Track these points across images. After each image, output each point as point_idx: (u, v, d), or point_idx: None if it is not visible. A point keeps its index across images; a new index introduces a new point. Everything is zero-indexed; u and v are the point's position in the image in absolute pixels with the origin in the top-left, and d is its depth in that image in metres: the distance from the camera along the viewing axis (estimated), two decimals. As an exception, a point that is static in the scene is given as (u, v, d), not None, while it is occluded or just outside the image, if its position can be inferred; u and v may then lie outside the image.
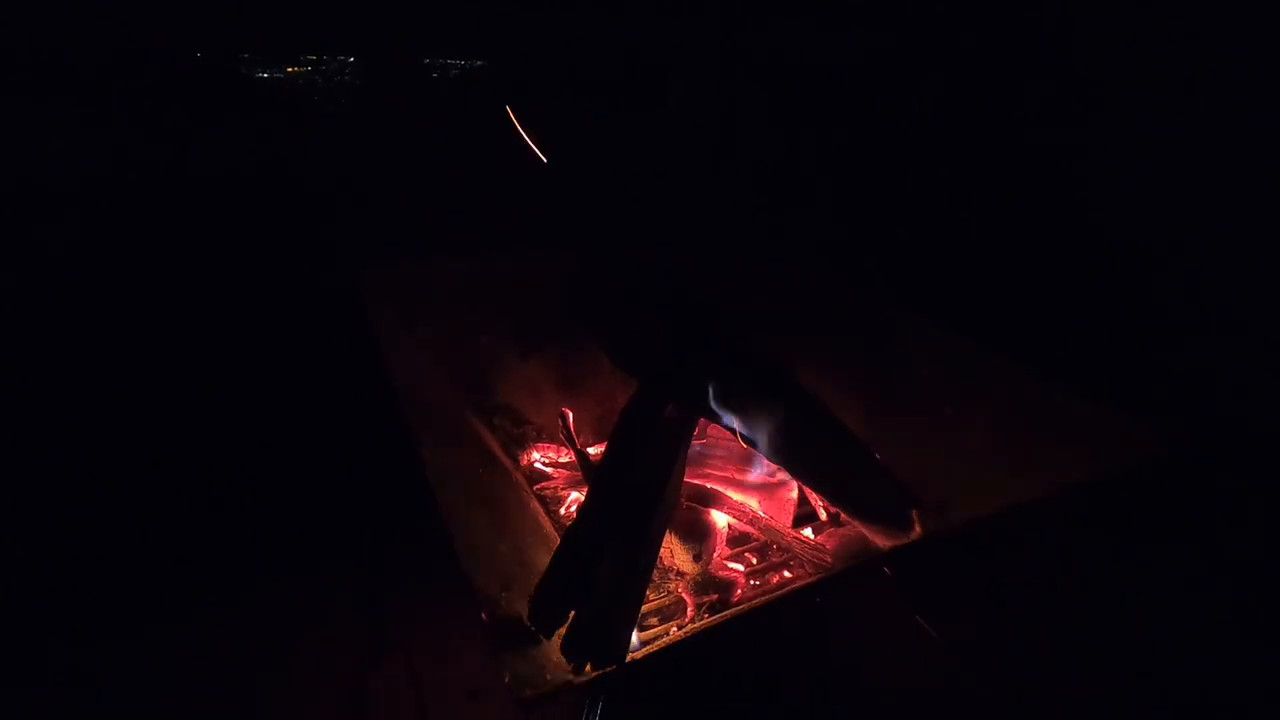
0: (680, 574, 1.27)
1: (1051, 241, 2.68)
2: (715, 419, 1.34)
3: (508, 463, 1.49)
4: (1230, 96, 2.22)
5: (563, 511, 1.44)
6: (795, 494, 1.41)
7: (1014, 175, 2.79)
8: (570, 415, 1.56)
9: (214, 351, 2.50)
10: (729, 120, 3.11)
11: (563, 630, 0.87)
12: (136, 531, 1.75)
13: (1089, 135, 2.61)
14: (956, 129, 2.88)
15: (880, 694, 1.43)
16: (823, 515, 1.43)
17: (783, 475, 1.41)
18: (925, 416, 1.50)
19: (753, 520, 1.36)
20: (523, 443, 1.60)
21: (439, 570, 1.62)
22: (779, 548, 1.35)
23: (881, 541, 1.29)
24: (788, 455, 1.30)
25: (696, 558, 1.28)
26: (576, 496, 1.47)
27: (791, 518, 1.39)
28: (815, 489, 1.37)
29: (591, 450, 1.56)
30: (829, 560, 1.28)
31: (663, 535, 1.13)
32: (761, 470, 1.42)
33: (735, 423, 1.33)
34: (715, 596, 1.23)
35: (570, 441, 1.53)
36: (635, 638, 0.95)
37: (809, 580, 1.14)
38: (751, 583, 1.30)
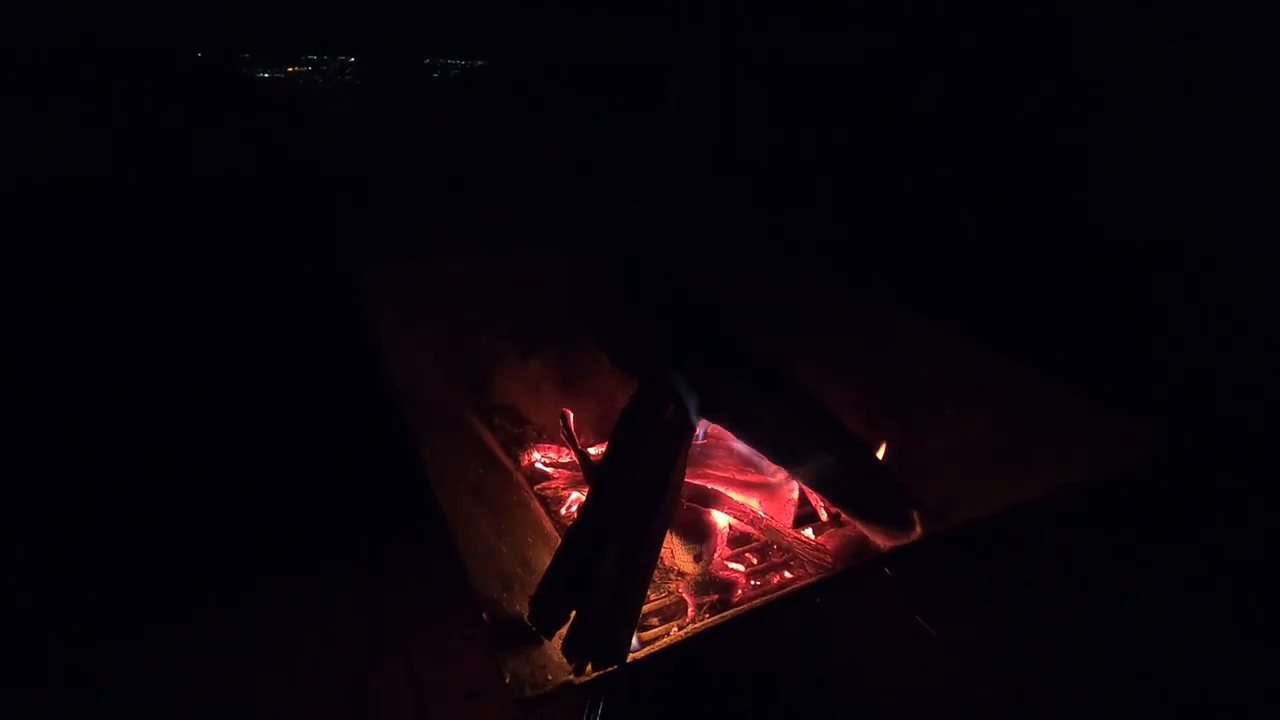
0: (681, 574, 1.27)
1: (1051, 241, 2.68)
2: (715, 419, 1.34)
3: (508, 463, 1.49)
4: (1230, 96, 2.22)
5: (563, 512, 1.44)
6: (796, 494, 1.41)
7: (1014, 175, 2.79)
8: (571, 415, 1.56)
9: (214, 351, 2.50)
10: (729, 120, 3.11)
11: (563, 630, 0.87)
12: (136, 531, 1.74)
13: (1089, 135, 2.61)
14: (956, 129, 2.88)
15: (880, 694, 1.43)
16: (823, 515, 1.43)
17: (783, 475, 1.41)
18: (925, 416, 1.50)
19: (753, 520, 1.36)
20: (523, 443, 1.60)
21: (439, 570, 1.62)
22: (780, 548, 1.35)
23: (882, 542, 1.29)
24: (788, 455, 1.31)
25: (697, 558, 1.28)
26: (577, 496, 1.47)
27: (792, 518, 1.39)
28: (816, 489, 1.37)
29: (592, 450, 1.56)
30: (829, 560, 1.28)
31: (663, 535, 1.13)
32: (762, 470, 1.42)
33: (735, 423, 1.33)
34: (716, 597, 1.23)
35: (571, 441, 1.53)
36: (636, 638, 0.95)
37: (809, 580, 1.14)
38: (752, 583, 1.30)
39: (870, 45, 3.02)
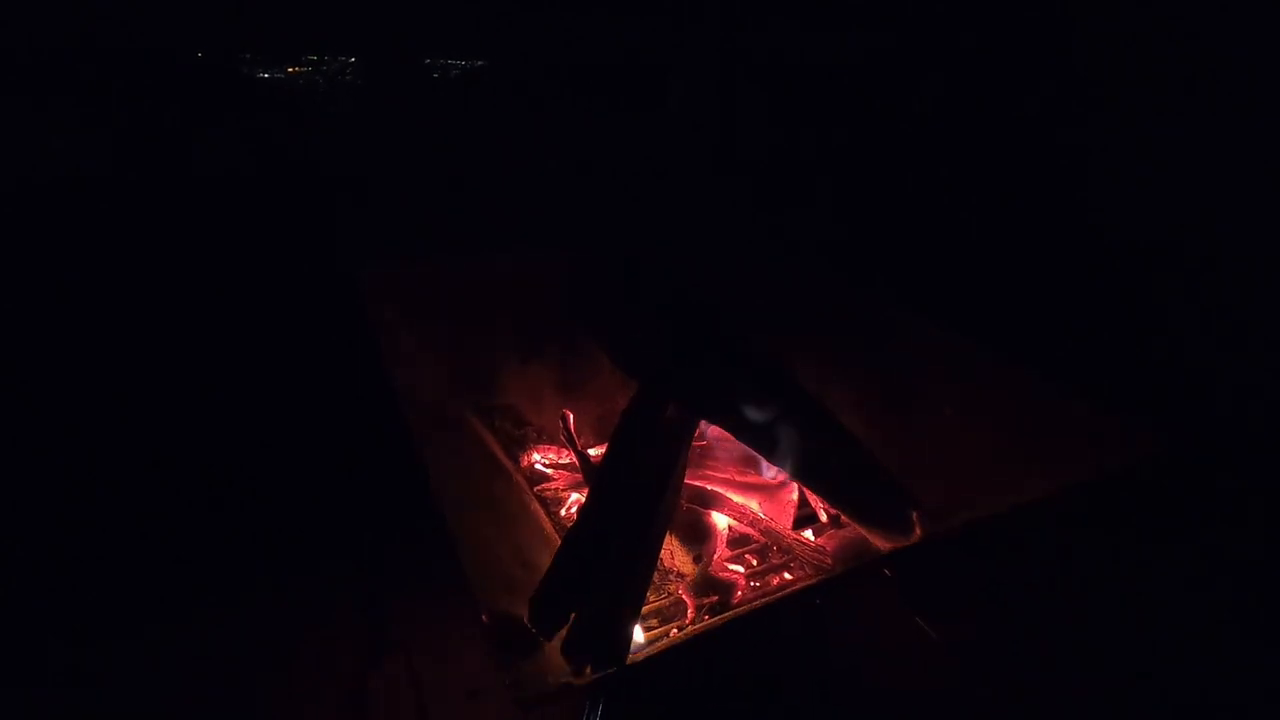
0: (681, 575, 1.27)
1: (1051, 241, 2.68)
2: (715, 420, 1.34)
3: (508, 464, 1.49)
4: (1230, 96, 2.22)
5: (563, 513, 1.44)
6: (795, 496, 1.40)
7: (1014, 175, 2.79)
8: (571, 416, 1.56)
9: (214, 351, 2.50)
10: (729, 120, 3.11)
11: (563, 631, 0.87)
12: (136, 531, 1.74)
13: (1089, 135, 2.62)
14: (956, 129, 2.88)
15: (880, 695, 1.43)
16: (823, 517, 1.43)
17: (783, 477, 1.41)
18: (925, 416, 1.50)
19: (753, 522, 1.36)
20: (523, 444, 1.60)
21: (439, 570, 1.62)
22: (779, 549, 1.35)
23: (881, 543, 1.29)
24: (788, 456, 1.30)
25: (697, 559, 1.28)
26: (577, 498, 1.47)
27: (792, 519, 1.39)
28: (815, 490, 1.37)
29: (592, 451, 1.56)
30: (829, 562, 1.28)
31: (663, 537, 1.13)
32: (762, 472, 1.42)
33: (735, 424, 1.33)
34: (715, 598, 1.22)
35: (571, 442, 1.53)
36: (636, 639, 0.95)
37: (809, 582, 1.14)
38: (752, 584, 1.30)
39: (870, 45, 3.02)
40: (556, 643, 0.86)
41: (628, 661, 0.84)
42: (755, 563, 1.35)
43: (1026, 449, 1.30)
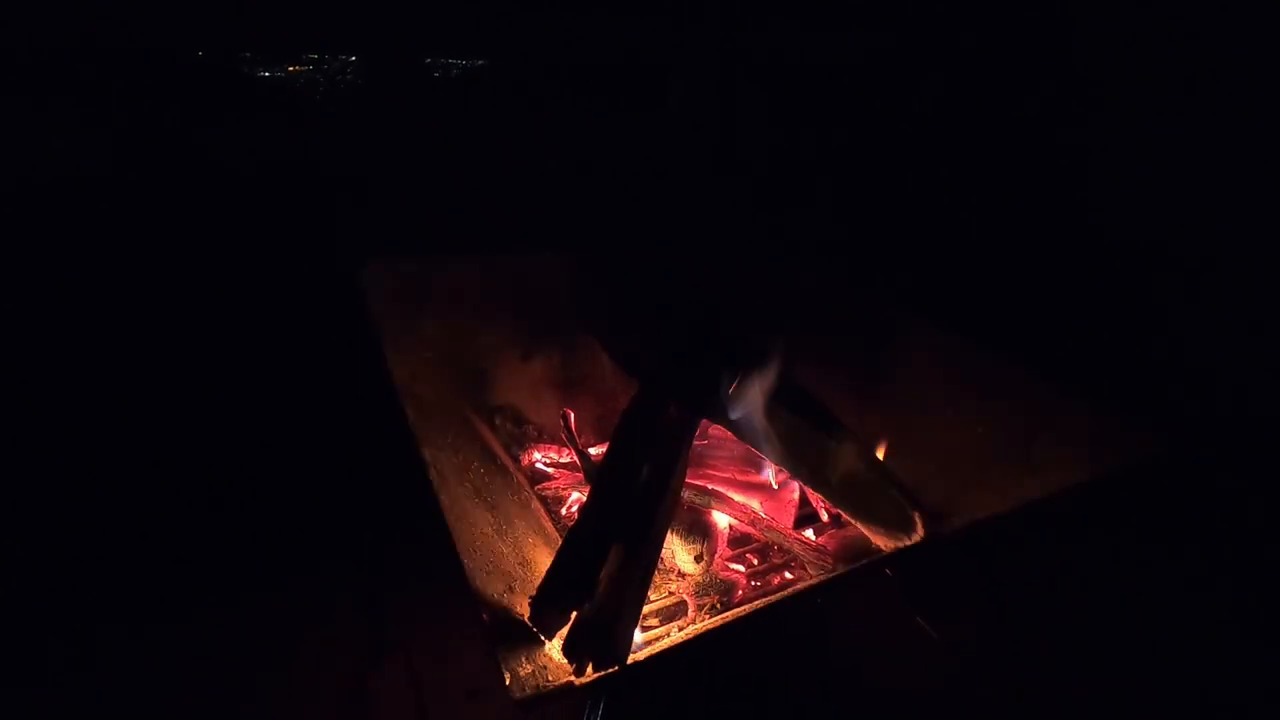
0: (681, 575, 1.27)
1: (1051, 241, 2.68)
2: (716, 419, 1.34)
3: (509, 463, 1.49)
4: (1230, 96, 2.22)
5: (564, 512, 1.44)
6: (797, 495, 1.41)
7: (1014, 175, 2.79)
8: (571, 415, 1.56)
9: (214, 351, 2.50)
10: (729, 120, 3.11)
11: (564, 631, 0.87)
12: (136, 531, 1.74)
13: (1089, 135, 2.62)
14: (956, 129, 2.88)
15: (881, 694, 1.43)
16: (824, 516, 1.43)
17: (784, 476, 1.41)
18: (925, 416, 1.50)
19: (754, 521, 1.36)
20: (524, 442, 1.60)
21: (439, 570, 1.61)
22: (780, 549, 1.35)
23: (883, 543, 1.29)
24: (789, 456, 1.31)
25: (698, 559, 1.28)
26: (578, 497, 1.47)
27: (793, 519, 1.39)
28: (816, 490, 1.37)
29: (593, 450, 1.56)
30: (830, 562, 1.28)
31: (664, 536, 1.13)
32: (763, 471, 1.42)
33: (736, 423, 1.33)
34: (716, 598, 1.23)
35: (572, 441, 1.53)
36: (636, 638, 0.95)
37: (810, 582, 1.14)
38: (753, 584, 1.30)
39: (870, 45, 3.02)
40: (557, 642, 0.86)
41: (628, 661, 0.84)
42: (756, 562, 1.35)
43: (1027, 449, 1.30)
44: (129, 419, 2.13)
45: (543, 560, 1.03)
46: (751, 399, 1.29)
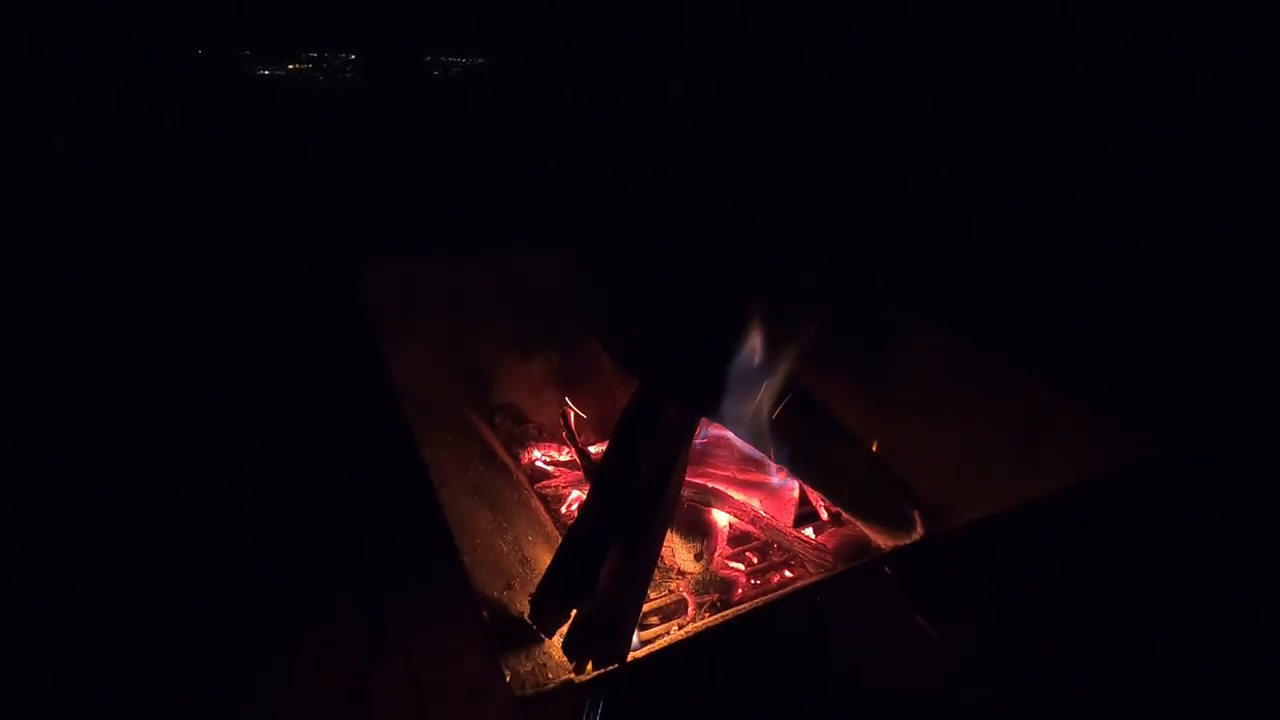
0: (681, 573, 1.27)
1: (1051, 241, 2.68)
2: (716, 418, 1.34)
3: (509, 461, 1.49)
4: (1230, 96, 2.22)
5: (564, 510, 1.44)
6: (796, 493, 1.41)
7: (1014, 175, 2.79)
8: (571, 414, 1.56)
9: (214, 351, 2.50)
10: (729, 120, 3.11)
11: (564, 629, 0.87)
12: (136, 531, 1.74)
13: (1089, 135, 2.62)
14: (956, 129, 2.88)
15: (880, 694, 1.43)
16: (824, 515, 1.43)
17: (784, 475, 1.41)
18: (925, 416, 1.50)
19: (754, 520, 1.36)
20: (524, 441, 1.60)
21: (439, 570, 1.61)
22: (780, 547, 1.35)
23: (882, 541, 1.29)
24: (789, 455, 1.31)
25: (698, 557, 1.28)
26: (578, 495, 1.47)
27: (793, 517, 1.39)
28: (816, 488, 1.37)
29: (592, 449, 1.56)
30: (830, 560, 1.28)
31: (664, 534, 1.13)
32: (763, 470, 1.42)
33: (736, 422, 1.33)
34: (716, 596, 1.23)
35: (572, 440, 1.53)
36: (636, 637, 0.95)
37: (810, 580, 1.14)
38: (752, 582, 1.30)
39: (870, 45, 3.02)
40: (557, 640, 0.86)
41: (629, 659, 0.84)
42: (756, 560, 1.35)
43: (1026, 449, 1.30)
44: (129, 419, 2.13)
45: (543, 558, 1.03)
46: (751, 398, 1.29)
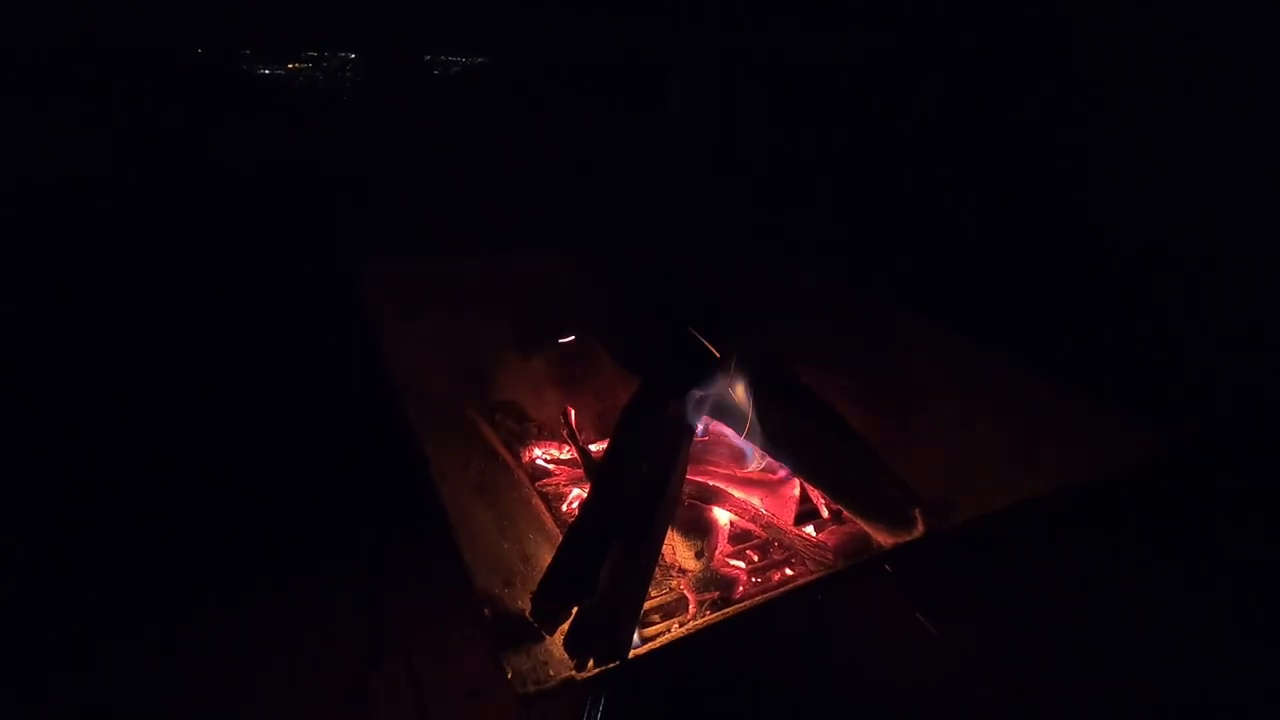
0: (682, 571, 1.27)
1: (1051, 241, 2.68)
2: (717, 417, 1.34)
3: (510, 460, 1.49)
4: (1230, 96, 2.23)
5: (565, 508, 1.44)
6: (797, 491, 1.41)
7: (1014, 175, 2.79)
8: (572, 412, 1.56)
9: (214, 351, 2.50)
10: (729, 120, 3.11)
11: (565, 627, 0.87)
12: (136, 531, 1.74)
13: (1089, 135, 2.62)
14: (956, 129, 2.88)
15: (881, 692, 1.43)
16: (825, 513, 1.43)
17: (785, 473, 1.41)
18: (925, 416, 1.50)
19: (755, 518, 1.36)
20: (524, 439, 1.60)
21: (439, 570, 1.62)
22: (781, 545, 1.35)
23: (883, 540, 1.29)
24: (790, 453, 1.31)
25: (698, 555, 1.28)
26: (578, 493, 1.47)
27: (793, 515, 1.39)
28: (817, 486, 1.37)
29: (593, 447, 1.56)
30: (830, 558, 1.28)
31: (665, 532, 1.13)
32: (763, 468, 1.42)
33: (737, 421, 1.33)
34: (717, 594, 1.22)
35: (572, 438, 1.53)
36: (637, 635, 0.95)
37: (811, 578, 1.14)
38: (753, 580, 1.30)
39: (870, 45, 3.03)
40: (558, 638, 0.86)
41: (630, 657, 0.84)
42: (757, 558, 1.35)
43: (1026, 449, 1.30)
44: (129, 419, 2.13)
45: (544, 556, 1.03)
46: (751, 398, 1.29)
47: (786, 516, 1.37)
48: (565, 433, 1.56)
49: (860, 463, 1.32)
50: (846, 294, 1.84)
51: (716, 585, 1.24)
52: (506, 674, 0.75)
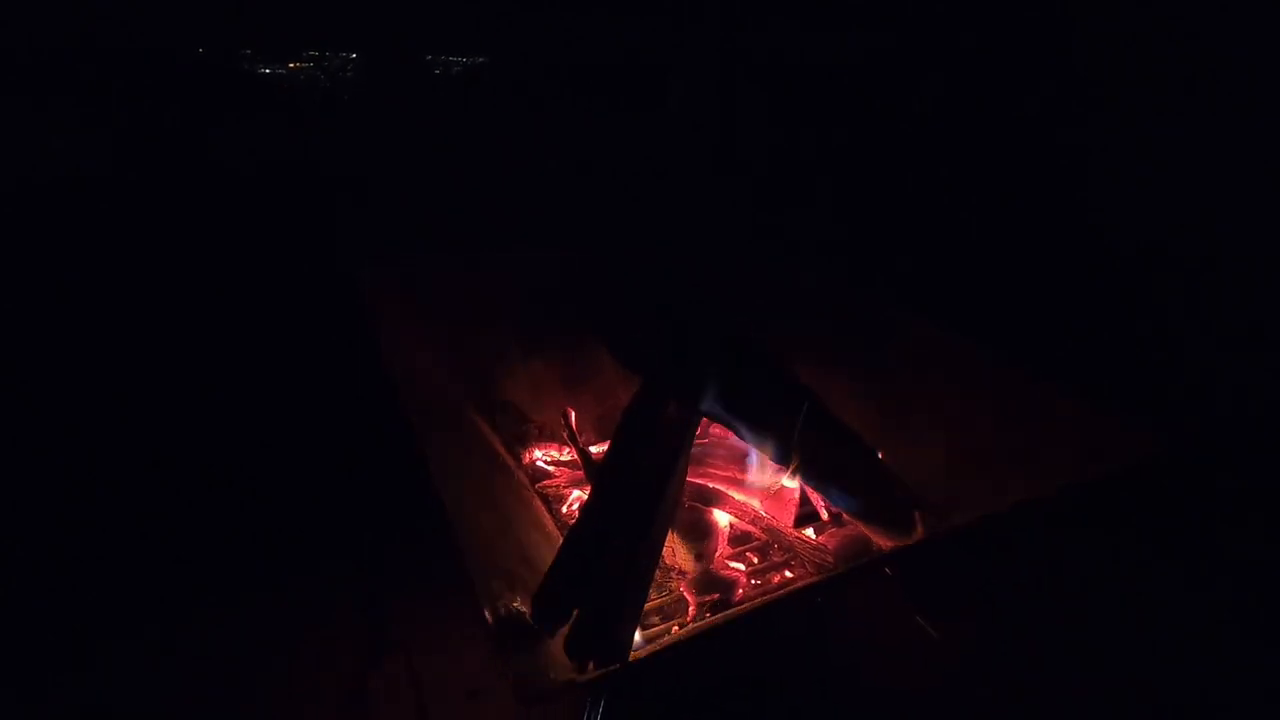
0: (682, 573, 1.27)
1: (1051, 241, 2.68)
2: (717, 418, 1.34)
3: (510, 461, 1.49)
4: (1230, 96, 2.22)
5: (565, 510, 1.44)
6: (797, 494, 1.41)
7: (1014, 175, 2.79)
8: (572, 414, 1.56)
9: (214, 351, 2.50)
10: (729, 120, 3.11)
11: (565, 629, 0.87)
12: (136, 531, 1.74)
13: (1089, 135, 2.62)
14: (956, 129, 2.88)
15: (881, 693, 1.43)
16: (824, 515, 1.43)
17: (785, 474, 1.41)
18: (925, 416, 1.50)
19: (754, 520, 1.36)
20: (525, 441, 1.60)
21: (439, 570, 1.62)
22: (781, 547, 1.36)
23: (883, 542, 1.29)
24: (789, 454, 1.30)
25: (698, 557, 1.28)
26: (579, 495, 1.47)
27: (793, 517, 1.39)
28: (817, 489, 1.37)
29: (593, 449, 1.56)
30: (830, 560, 1.28)
31: (665, 534, 1.13)
32: (763, 470, 1.42)
33: (737, 422, 1.33)
34: (717, 596, 1.23)
35: (572, 440, 1.53)
36: (638, 636, 0.95)
37: (810, 580, 1.14)
38: (753, 582, 1.30)
39: (870, 45, 3.03)
40: (559, 640, 0.86)
41: (630, 659, 0.84)
42: (756, 560, 1.35)
43: (1026, 449, 1.30)
44: (129, 419, 2.13)
45: (544, 558, 1.03)
46: (751, 399, 1.29)
47: (786, 519, 1.38)
48: (565, 434, 1.56)
49: (860, 464, 1.32)
50: (846, 294, 1.84)
51: (716, 587, 1.24)
52: (507, 676, 0.75)
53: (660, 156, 3.21)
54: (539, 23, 3.38)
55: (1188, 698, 1.48)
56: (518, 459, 1.54)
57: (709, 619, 0.98)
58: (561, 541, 1.02)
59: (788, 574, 1.33)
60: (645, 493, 1.09)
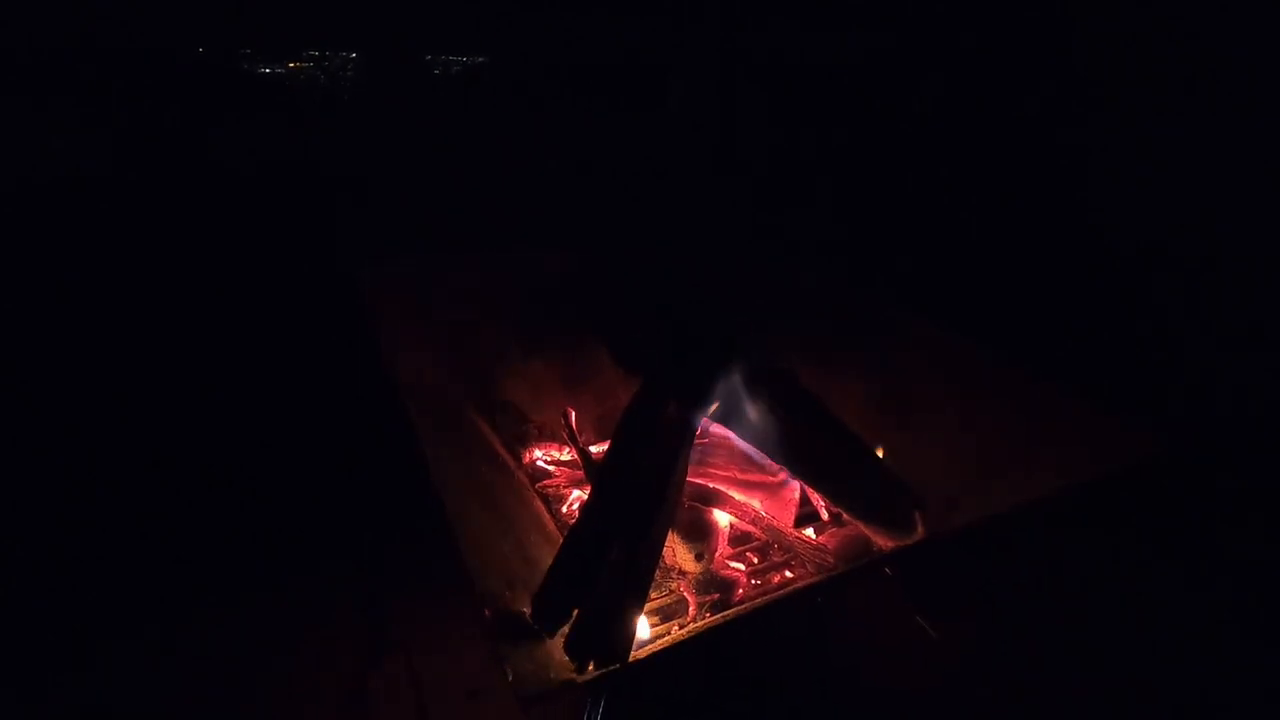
0: (682, 573, 1.27)
1: (1051, 241, 2.68)
2: (717, 418, 1.34)
3: (510, 461, 1.49)
4: (1230, 96, 2.22)
5: (565, 510, 1.44)
6: (797, 494, 1.41)
7: (1014, 175, 2.79)
8: (572, 414, 1.56)
9: (214, 351, 2.50)
10: (729, 120, 3.11)
11: (566, 629, 0.87)
12: (136, 531, 1.74)
13: (1089, 135, 2.62)
14: (956, 129, 2.88)
15: (881, 693, 1.43)
16: (825, 515, 1.43)
17: (785, 475, 1.41)
18: (925, 416, 1.50)
19: (755, 520, 1.36)
20: (525, 441, 1.60)
21: (439, 570, 1.62)
22: (781, 547, 1.35)
23: (883, 542, 1.29)
24: (790, 455, 1.31)
25: (699, 557, 1.28)
26: (579, 495, 1.47)
27: (793, 517, 1.39)
28: (817, 489, 1.37)
29: (593, 449, 1.56)
30: (831, 560, 1.28)
31: (665, 534, 1.13)
32: (764, 470, 1.42)
33: (737, 422, 1.33)
34: (717, 596, 1.23)
35: (572, 440, 1.53)
36: (638, 636, 0.95)
37: (811, 580, 1.14)
38: (753, 582, 1.30)
39: (870, 45, 3.03)
40: (559, 640, 0.86)
41: (630, 659, 0.84)
42: (757, 560, 1.35)
43: (1026, 449, 1.30)
44: (129, 419, 2.13)
45: (544, 558, 1.03)
46: (751, 400, 1.29)
47: (787, 519, 1.37)
48: (565, 434, 1.56)
49: (861, 464, 1.32)
50: (846, 294, 1.84)
51: (716, 587, 1.24)
52: (507, 676, 0.75)
53: (660, 156, 3.21)
54: (539, 23, 3.38)
55: (1188, 698, 1.48)
56: (518, 459, 1.54)
57: (709, 619, 0.97)
58: (561, 541, 1.02)
59: (788, 574, 1.33)
60: (645, 493, 1.09)
